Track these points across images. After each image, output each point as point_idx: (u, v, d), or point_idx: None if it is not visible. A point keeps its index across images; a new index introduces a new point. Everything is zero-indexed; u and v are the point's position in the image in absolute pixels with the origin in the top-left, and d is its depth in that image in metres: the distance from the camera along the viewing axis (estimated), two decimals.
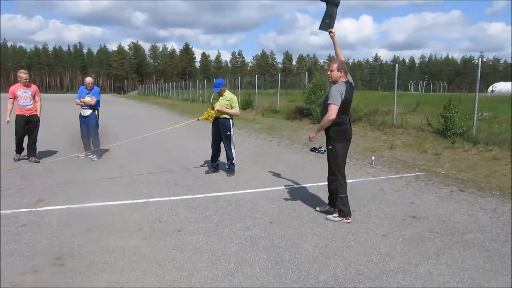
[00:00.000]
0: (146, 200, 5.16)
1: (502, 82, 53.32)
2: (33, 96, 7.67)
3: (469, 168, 7.22)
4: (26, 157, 7.70)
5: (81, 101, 8.05)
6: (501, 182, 6.26)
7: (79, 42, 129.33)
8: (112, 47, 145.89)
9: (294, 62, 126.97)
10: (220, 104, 6.69)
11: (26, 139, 7.75)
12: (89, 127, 8.11)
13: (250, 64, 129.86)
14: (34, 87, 7.81)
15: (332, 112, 4.31)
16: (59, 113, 19.33)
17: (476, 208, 5.03)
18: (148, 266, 3.29)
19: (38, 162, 7.53)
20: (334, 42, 4.72)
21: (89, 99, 8.05)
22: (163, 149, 9.39)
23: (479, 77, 9.59)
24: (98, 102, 8.24)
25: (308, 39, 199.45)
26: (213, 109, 6.75)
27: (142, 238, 3.90)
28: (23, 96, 7.54)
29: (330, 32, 4.72)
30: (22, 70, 7.79)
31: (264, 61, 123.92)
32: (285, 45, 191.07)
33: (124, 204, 5.01)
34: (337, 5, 4.79)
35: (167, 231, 4.09)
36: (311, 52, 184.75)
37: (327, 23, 4.75)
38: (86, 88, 8.13)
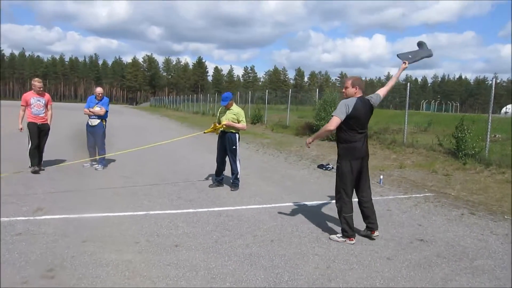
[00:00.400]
0: (146, 213, 5.06)
1: None
2: (46, 105, 7.64)
3: (481, 190, 6.99)
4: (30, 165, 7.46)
5: (90, 111, 8.07)
6: None
7: (95, 54, 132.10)
8: (127, 59, 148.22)
9: (306, 79, 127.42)
10: (227, 118, 6.62)
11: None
12: (96, 137, 8.11)
13: (262, 79, 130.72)
14: (47, 95, 7.78)
15: (331, 123, 4.23)
16: (67, 121, 19.51)
17: (487, 232, 4.82)
18: (141, 282, 3.17)
19: (43, 170, 7.48)
20: (397, 74, 4.66)
21: (99, 109, 8.07)
22: (169, 162, 9.33)
23: (492, 97, 9.41)
24: (106, 112, 8.25)
25: (321, 56, 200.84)
26: (220, 123, 6.69)
27: (138, 252, 3.79)
28: (36, 105, 7.48)
29: (404, 63, 4.63)
30: (36, 79, 7.72)
31: (276, 77, 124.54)
32: (297, 61, 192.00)
33: (123, 216, 4.92)
34: (428, 55, 4.84)
35: (164, 245, 3.97)
36: (323, 69, 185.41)
37: (408, 57, 4.72)
38: (95, 98, 8.16)
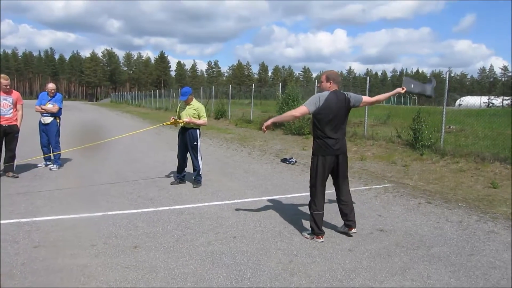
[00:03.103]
0: (104, 213, 4.86)
1: (469, 96, 55.31)
2: (14, 104, 6.87)
3: (437, 180, 7.27)
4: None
5: (41, 108, 7.66)
6: (467, 194, 6.31)
7: (51, 48, 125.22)
8: (86, 53, 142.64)
9: (269, 73, 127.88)
10: (187, 114, 6.48)
11: None
12: (49, 135, 7.71)
13: (226, 74, 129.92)
14: (16, 93, 6.96)
15: (298, 109, 4.25)
16: None
17: (443, 220, 5.00)
18: (97, 287, 3.02)
19: (17, 177, 6.74)
20: (388, 94, 4.64)
21: (51, 106, 7.68)
22: (129, 159, 9.05)
23: (447, 91, 9.78)
24: (60, 109, 7.86)
25: (284, 51, 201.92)
26: (180, 118, 6.53)
27: (94, 255, 3.62)
28: (3, 104, 6.68)
29: (402, 88, 4.57)
30: (3, 75, 6.77)
31: (240, 72, 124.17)
32: (261, 56, 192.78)
33: (79, 218, 4.70)
34: (427, 95, 4.70)
35: (123, 247, 3.83)
36: (286, 64, 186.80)
37: (410, 86, 4.61)
38: (47, 94, 7.75)
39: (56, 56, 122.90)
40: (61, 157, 7.89)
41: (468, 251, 3.99)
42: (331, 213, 4.98)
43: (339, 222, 4.61)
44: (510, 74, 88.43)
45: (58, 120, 7.86)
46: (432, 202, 5.84)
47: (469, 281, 3.32)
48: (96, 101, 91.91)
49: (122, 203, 5.37)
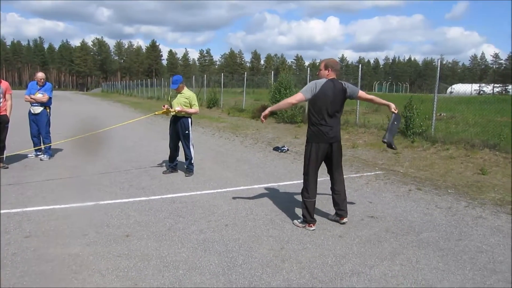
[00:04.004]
0: (96, 203, 4.86)
1: (460, 83, 55.70)
2: (4, 94, 6.76)
3: (427, 166, 7.34)
4: None
5: (31, 98, 7.57)
6: (456, 180, 6.39)
7: (40, 37, 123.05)
8: (75, 43, 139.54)
9: (262, 61, 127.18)
10: (179, 102, 6.45)
11: None
12: (40, 125, 7.64)
13: (218, 63, 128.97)
14: (4, 83, 6.84)
15: (294, 96, 4.25)
16: None
17: (432, 206, 5.07)
18: (89, 276, 3.04)
19: (7, 167, 6.68)
20: (383, 101, 4.57)
21: (41, 96, 7.59)
22: (121, 149, 9.01)
23: (438, 78, 9.84)
24: (50, 99, 7.78)
25: (276, 38, 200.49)
26: (171, 107, 6.50)
27: (86, 244, 3.63)
28: None
29: (395, 109, 4.45)
30: None
31: (232, 60, 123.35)
32: (253, 44, 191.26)
33: (70, 207, 4.69)
34: (388, 143, 4.49)
35: (114, 236, 3.84)
36: (279, 52, 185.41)
37: (391, 137, 4.47)
38: (37, 84, 7.65)
39: (46, 46, 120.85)
40: (51, 147, 7.83)
41: (456, 236, 4.06)
42: (323, 200, 5.02)
43: (330, 209, 4.65)
44: (501, 61, 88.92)
45: (48, 110, 7.78)
46: (422, 189, 5.91)
47: (456, 265, 3.39)
48: (87, 90, 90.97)
49: (114, 193, 5.36)
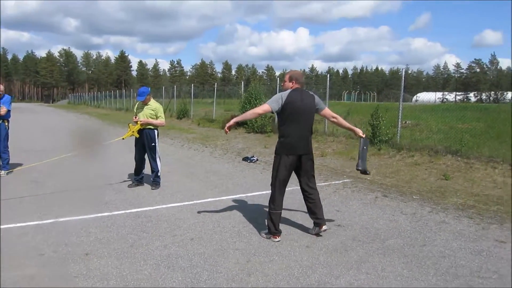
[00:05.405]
0: (55, 220, 4.63)
1: (425, 92, 57.75)
2: None
3: (393, 173, 7.49)
4: None
5: None
6: (421, 186, 6.53)
7: (3, 48, 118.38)
8: (41, 53, 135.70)
9: (233, 72, 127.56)
10: (145, 114, 6.32)
11: None
12: None
13: (189, 73, 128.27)
14: None
15: (261, 107, 4.24)
16: None
17: (398, 213, 5.14)
18: None
19: None
20: (350, 126, 4.58)
21: None
22: (84, 163, 8.71)
23: (402, 87, 10.12)
24: (8, 111, 7.44)
25: (247, 49, 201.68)
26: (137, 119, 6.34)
27: (42, 265, 3.44)
28: None
29: (363, 133, 4.53)
30: None
31: (203, 71, 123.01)
32: (224, 55, 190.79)
33: (27, 225, 4.45)
34: (362, 171, 4.48)
35: (73, 255, 3.65)
36: (250, 62, 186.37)
37: (364, 164, 4.48)
38: None
39: (9, 56, 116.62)
40: (9, 162, 7.47)
41: (421, 242, 4.12)
42: (290, 210, 5.00)
43: (298, 219, 4.63)
44: (462, 70, 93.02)
45: (6, 123, 7.44)
46: (388, 196, 6.00)
47: (420, 271, 3.42)
48: (52, 102, 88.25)
49: (75, 209, 5.14)
